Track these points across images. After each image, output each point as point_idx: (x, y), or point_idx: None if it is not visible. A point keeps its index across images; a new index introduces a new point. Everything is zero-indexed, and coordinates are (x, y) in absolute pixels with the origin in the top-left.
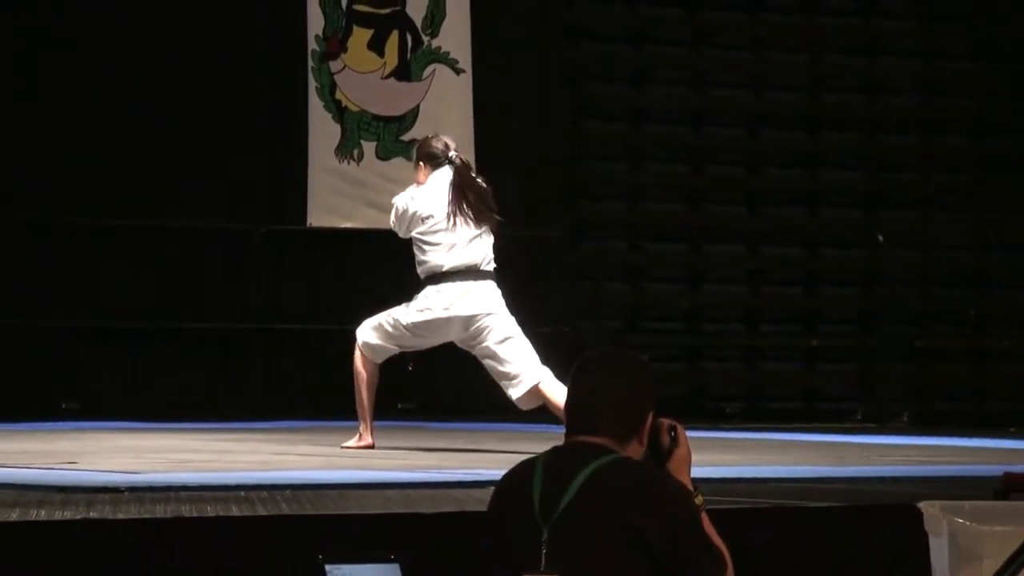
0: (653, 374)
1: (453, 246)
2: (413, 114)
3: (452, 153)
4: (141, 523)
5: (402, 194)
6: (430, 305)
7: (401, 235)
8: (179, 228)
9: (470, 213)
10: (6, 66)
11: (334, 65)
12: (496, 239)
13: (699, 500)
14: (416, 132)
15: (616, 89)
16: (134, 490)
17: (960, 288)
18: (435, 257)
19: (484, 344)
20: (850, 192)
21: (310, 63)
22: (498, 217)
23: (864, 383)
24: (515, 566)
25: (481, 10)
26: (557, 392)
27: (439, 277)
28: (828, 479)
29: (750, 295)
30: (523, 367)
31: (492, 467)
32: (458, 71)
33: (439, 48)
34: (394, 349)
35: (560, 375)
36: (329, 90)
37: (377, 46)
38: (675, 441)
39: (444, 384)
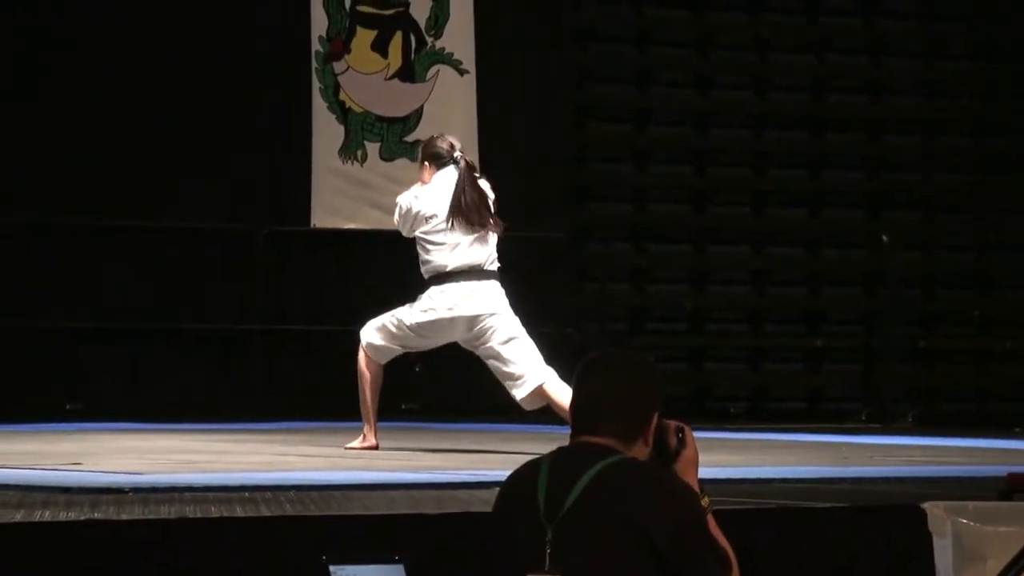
0: (659, 374)
1: (457, 246)
2: (417, 115)
3: (457, 154)
4: (145, 524)
5: (406, 193)
6: (434, 305)
7: (405, 234)
8: (182, 229)
9: (467, 217)
10: (6, 66)
11: (338, 66)
12: (499, 239)
13: (705, 502)
14: (420, 133)
15: (620, 90)
16: (138, 491)
17: (964, 289)
18: (439, 257)
19: (488, 344)
20: (853, 193)
21: (314, 64)
22: (492, 223)
23: (868, 384)
24: (520, 566)
25: (485, 11)
26: (561, 393)
27: (443, 277)
28: (832, 479)
29: (754, 296)
30: (527, 367)
31: (496, 468)
32: (462, 72)
33: (443, 49)
34: (398, 350)
35: (564, 376)
36: (333, 91)
37: (381, 47)
38: (682, 443)
39: (448, 385)
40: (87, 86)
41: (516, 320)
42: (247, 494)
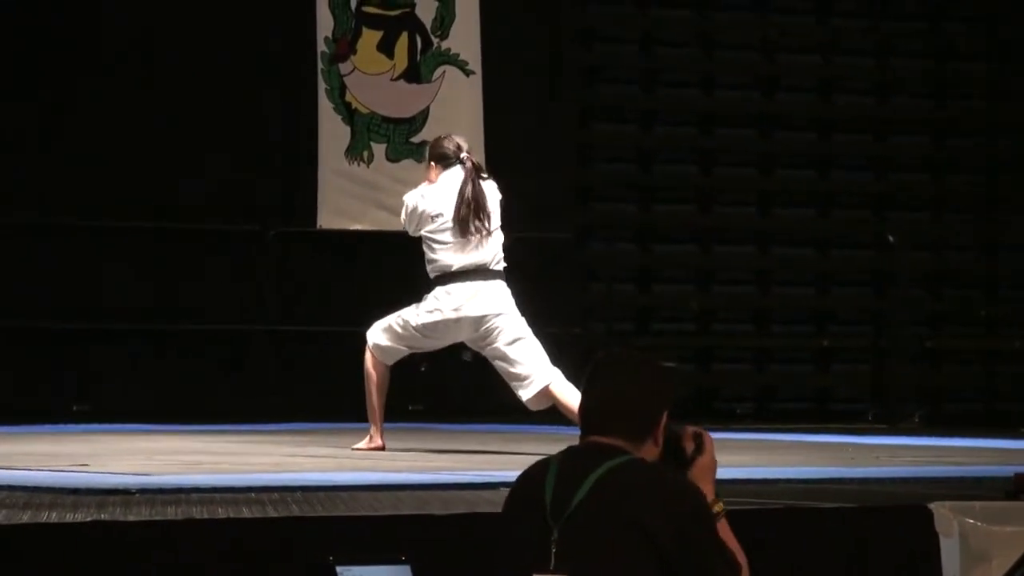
0: (671, 375)
1: (463, 245)
2: (423, 116)
3: (463, 155)
4: (152, 525)
5: (412, 192)
6: (439, 306)
7: (411, 233)
8: (188, 229)
9: (465, 221)
10: (6, 66)
11: (344, 67)
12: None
13: (719, 507)
14: (426, 134)
15: (625, 90)
16: (145, 492)
17: (971, 289)
18: (444, 256)
19: (494, 345)
20: (860, 193)
21: (319, 65)
22: (488, 230)
23: (875, 384)
24: (526, 565)
25: (490, 12)
26: (567, 393)
27: (448, 277)
28: (839, 480)
29: (760, 296)
30: (533, 368)
31: (503, 468)
32: (468, 73)
33: (448, 50)
34: (404, 351)
35: (570, 376)
36: (339, 92)
37: (387, 48)
38: (699, 449)
39: (454, 385)
40: (87, 86)
41: (523, 320)
42: (254, 495)
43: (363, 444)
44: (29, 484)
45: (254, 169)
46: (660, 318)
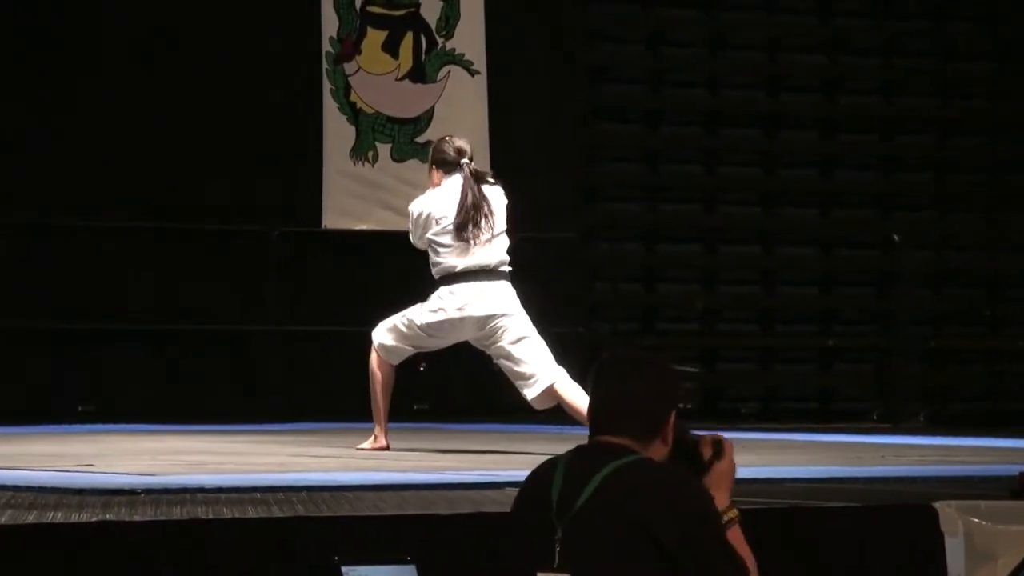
0: (676, 373)
1: (466, 248)
2: (428, 116)
3: (464, 160)
4: (157, 525)
5: (417, 199)
6: (444, 306)
7: (414, 243)
8: (193, 230)
9: (463, 230)
10: (6, 66)
11: (348, 67)
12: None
13: (733, 514)
14: (431, 134)
15: (631, 90)
16: (150, 492)
17: (975, 288)
18: (448, 259)
19: (499, 344)
20: (864, 193)
21: (324, 65)
22: (491, 235)
23: (879, 383)
24: (531, 564)
25: (495, 11)
26: (572, 392)
27: (453, 278)
28: (843, 479)
29: (765, 296)
30: (538, 367)
31: (508, 468)
32: (473, 72)
33: (453, 50)
34: (409, 350)
35: (575, 376)
36: (344, 92)
37: (391, 48)
38: (718, 455)
39: (458, 385)
40: (87, 86)
41: (527, 320)
42: (259, 495)
43: (367, 444)
44: (34, 484)
45: (258, 169)
46: (665, 318)
